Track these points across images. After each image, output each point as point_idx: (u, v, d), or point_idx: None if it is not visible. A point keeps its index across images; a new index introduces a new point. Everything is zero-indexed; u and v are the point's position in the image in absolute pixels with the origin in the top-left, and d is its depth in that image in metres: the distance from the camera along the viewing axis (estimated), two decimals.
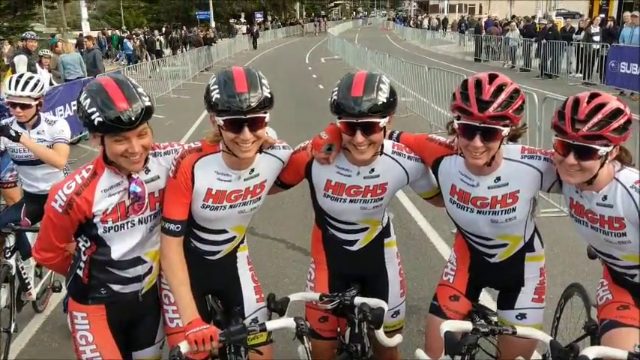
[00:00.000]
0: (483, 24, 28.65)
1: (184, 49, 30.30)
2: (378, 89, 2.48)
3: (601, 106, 2.27)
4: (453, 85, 11.10)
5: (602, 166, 2.32)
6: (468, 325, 2.41)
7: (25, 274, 4.64)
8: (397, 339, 2.76)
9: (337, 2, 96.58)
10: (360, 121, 2.48)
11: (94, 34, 32.02)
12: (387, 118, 2.53)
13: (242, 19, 56.67)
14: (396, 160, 2.75)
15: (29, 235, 4.69)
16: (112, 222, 2.51)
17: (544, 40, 19.86)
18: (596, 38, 17.72)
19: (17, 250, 4.50)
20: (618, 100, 2.34)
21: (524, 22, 25.07)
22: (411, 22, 52.20)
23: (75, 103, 9.82)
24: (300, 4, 77.22)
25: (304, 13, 77.63)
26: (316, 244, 3.03)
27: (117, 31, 39.48)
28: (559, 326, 3.63)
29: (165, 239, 2.61)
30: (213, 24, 48.58)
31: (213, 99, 2.38)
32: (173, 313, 2.75)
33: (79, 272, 2.64)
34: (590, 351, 2.21)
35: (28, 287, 4.70)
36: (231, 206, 2.67)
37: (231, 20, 55.73)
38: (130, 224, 2.55)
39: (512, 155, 2.58)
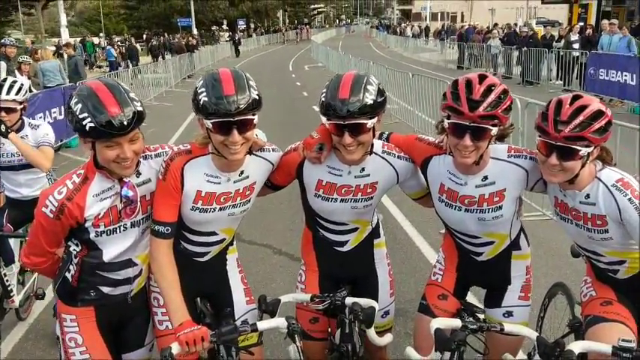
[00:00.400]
0: (464, 32, 29.01)
1: (165, 57, 30.18)
2: (365, 90, 2.51)
3: (583, 107, 2.33)
4: (437, 92, 11.23)
5: (583, 166, 2.38)
6: (457, 323, 2.44)
7: (7, 280, 4.57)
8: (388, 338, 2.79)
9: (320, 10, 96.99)
10: (347, 122, 2.51)
11: (75, 40, 31.81)
12: (376, 118, 2.56)
13: (224, 27, 56.57)
14: (386, 160, 2.78)
15: (11, 242, 4.65)
16: (104, 226, 2.50)
17: (525, 48, 20.14)
18: (576, 46, 18.02)
19: None
20: (600, 102, 2.41)
21: (506, 30, 25.37)
22: (397, 29, 52.53)
23: (55, 110, 9.64)
24: (283, 11, 77.39)
25: (287, 21, 77.80)
26: (306, 246, 3.05)
27: (94, 38, 39.29)
28: (543, 325, 3.68)
29: (155, 242, 2.60)
30: (195, 31, 48.45)
31: (201, 102, 2.39)
32: (162, 316, 2.75)
33: (68, 275, 2.63)
34: (576, 346, 2.26)
35: (11, 294, 4.64)
36: (220, 208, 2.67)
37: (213, 27, 55.62)
38: (122, 228, 2.55)
39: (499, 154, 2.64)
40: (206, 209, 2.65)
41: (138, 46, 33.16)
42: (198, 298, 2.93)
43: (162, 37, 36.59)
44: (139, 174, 2.56)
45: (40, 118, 11.33)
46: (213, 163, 2.60)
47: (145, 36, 44.46)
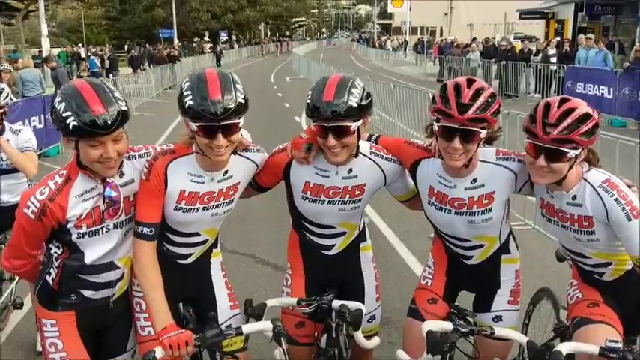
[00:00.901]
0: (442, 46, 29.36)
1: (147, 67, 30.08)
2: (349, 93, 2.51)
3: (571, 110, 2.36)
4: (418, 103, 11.30)
5: (570, 168, 2.41)
6: (448, 325, 2.44)
7: None
8: (375, 341, 2.76)
9: (301, 23, 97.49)
10: (331, 124, 2.51)
11: (56, 51, 31.59)
12: (361, 121, 2.56)
13: (206, 39, 56.54)
14: (374, 161, 2.78)
15: None
16: (87, 227, 2.46)
17: (503, 61, 20.43)
18: (553, 60, 18.38)
19: None
20: (587, 104, 2.43)
21: (484, 44, 25.73)
22: (376, 42, 53.19)
23: (34, 119, 9.54)
24: (265, 24, 77.60)
25: (269, 34, 78.03)
26: (293, 250, 3.02)
27: (76, 48, 39.04)
28: (528, 332, 3.68)
29: (138, 243, 2.57)
30: (177, 42, 48.34)
31: (186, 105, 2.36)
32: (145, 321, 2.70)
33: (49, 278, 2.57)
34: (563, 347, 2.27)
35: None
36: (204, 209, 2.65)
37: (195, 39, 55.59)
38: (105, 229, 2.51)
39: (487, 157, 2.65)
40: (189, 209, 2.62)
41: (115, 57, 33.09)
42: (181, 304, 2.88)
43: (142, 48, 36.44)
44: (122, 174, 2.52)
45: (20, 126, 11.16)
46: (196, 163, 2.58)
47: (126, 47, 44.28)
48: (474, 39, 29.79)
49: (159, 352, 2.33)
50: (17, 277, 4.64)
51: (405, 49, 44.33)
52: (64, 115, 2.25)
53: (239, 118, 2.41)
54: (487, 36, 29.40)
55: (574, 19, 29.68)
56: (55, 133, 11.40)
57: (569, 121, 2.33)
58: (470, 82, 2.48)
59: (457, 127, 2.42)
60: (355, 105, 2.51)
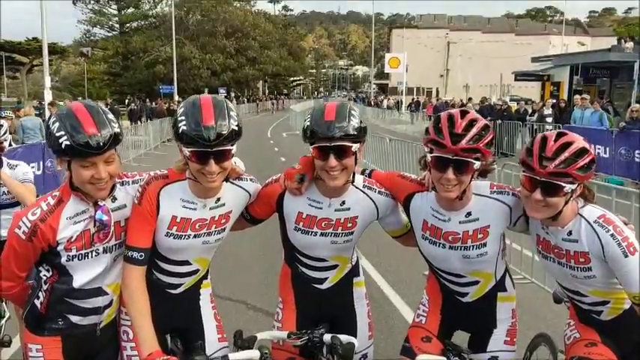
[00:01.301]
0: (438, 105, 29.84)
1: (146, 120, 30.42)
2: (350, 115, 2.54)
3: (568, 144, 2.36)
4: (413, 157, 11.40)
5: (566, 202, 2.39)
6: None
7: None
8: None
9: (299, 82, 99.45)
10: (333, 144, 2.51)
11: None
12: (359, 144, 2.57)
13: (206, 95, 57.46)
14: (367, 194, 2.77)
15: None
16: (76, 250, 2.44)
17: (499, 121, 20.70)
18: (549, 120, 18.62)
19: None
20: (584, 139, 2.44)
21: (479, 104, 26.17)
22: (372, 102, 54.42)
23: (33, 165, 9.55)
24: (263, 82, 79.13)
25: (267, 91, 79.46)
26: (285, 283, 2.97)
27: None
28: None
29: (128, 268, 2.53)
30: (176, 98, 49.10)
31: (180, 130, 2.39)
32: (131, 350, 2.64)
33: (37, 302, 2.54)
34: None
35: None
36: (195, 236, 2.62)
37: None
38: (94, 253, 2.49)
39: (481, 191, 2.64)
40: (180, 236, 2.60)
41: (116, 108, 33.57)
42: (169, 336, 2.82)
43: (142, 102, 36.95)
44: (114, 199, 2.52)
45: None
46: (189, 189, 2.58)
47: (126, 101, 44.96)
48: (470, 99, 30.33)
49: None
50: (7, 315, 4.55)
51: (399, 108, 45.21)
52: (57, 134, 2.28)
53: (232, 145, 2.43)
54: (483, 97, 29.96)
55: (569, 81, 30.16)
56: (53, 180, 11.40)
57: (566, 154, 2.33)
58: (463, 113, 2.50)
59: (450, 157, 2.42)
60: (356, 125, 2.54)
